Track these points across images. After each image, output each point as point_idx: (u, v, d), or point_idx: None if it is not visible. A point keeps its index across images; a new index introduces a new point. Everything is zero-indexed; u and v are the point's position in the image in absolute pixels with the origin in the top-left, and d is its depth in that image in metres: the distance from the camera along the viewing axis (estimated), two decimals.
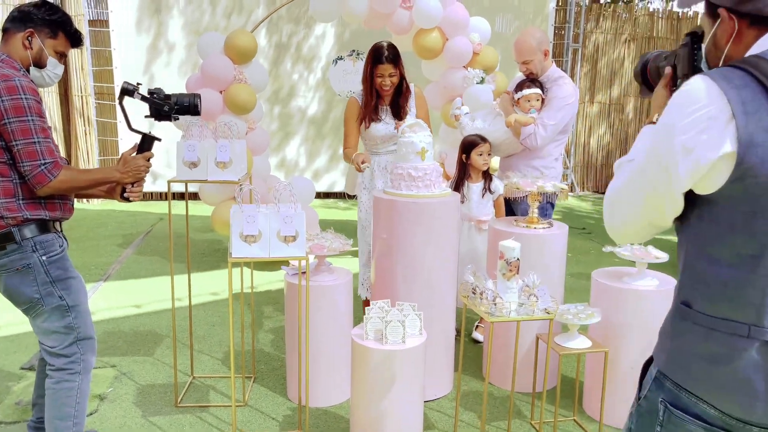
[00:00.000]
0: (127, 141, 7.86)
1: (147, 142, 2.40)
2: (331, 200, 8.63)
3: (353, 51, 6.40)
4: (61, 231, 2.33)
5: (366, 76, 3.53)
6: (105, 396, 3.12)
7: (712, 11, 1.24)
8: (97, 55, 7.98)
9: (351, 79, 6.36)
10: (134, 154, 2.37)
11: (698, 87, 1.13)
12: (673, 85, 1.43)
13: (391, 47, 3.50)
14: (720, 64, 1.25)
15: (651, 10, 9.72)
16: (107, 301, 4.48)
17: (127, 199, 2.38)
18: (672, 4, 12.33)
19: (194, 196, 6.63)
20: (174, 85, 7.49)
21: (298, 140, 8.32)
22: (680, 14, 9.72)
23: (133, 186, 2.37)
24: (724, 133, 1.10)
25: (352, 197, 8.80)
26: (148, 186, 8.01)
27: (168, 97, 2.53)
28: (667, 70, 1.44)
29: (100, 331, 3.89)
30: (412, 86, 3.68)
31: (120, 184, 2.36)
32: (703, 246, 1.19)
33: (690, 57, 1.33)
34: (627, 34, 9.38)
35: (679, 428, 1.22)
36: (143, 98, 2.49)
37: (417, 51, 5.00)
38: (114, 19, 7.61)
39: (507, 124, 3.57)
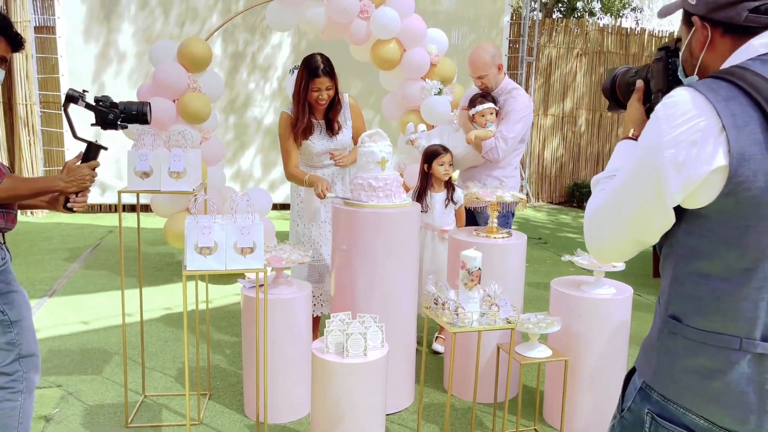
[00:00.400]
0: (74, 151, 7.59)
1: (92, 150, 2.30)
2: (288, 212, 8.51)
3: None
4: (4, 242, 2.20)
5: (299, 90, 3.32)
6: (51, 417, 2.96)
7: (687, 19, 1.25)
8: (43, 62, 7.70)
9: None
10: (79, 162, 2.26)
11: (685, 99, 1.11)
12: (647, 100, 1.42)
13: (326, 59, 3.33)
14: (695, 72, 1.25)
15: (601, 25, 10.01)
16: (53, 317, 4.28)
17: (71, 210, 2.26)
18: (620, 20, 12.75)
19: (145, 208, 6.43)
20: (124, 93, 7.29)
21: (254, 150, 8.20)
22: (628, 30, 10.04)
23: (77, 196, 2.26)
24: (716, 145, 1.07)
25: None
26: (97, 198, 7.75)
27: (115, 105, 2.43)
28: (639, 83, 1.44)
29: (45, 349, 3.70)
30: (345, 96, 3.55)
31: (63, 194, 2.24)
32: (693, 260, 1.17)
33: (665, 71, 1.32)
34: (579, 49, 9.63)
35: None
36: (88, 106, 2.38)
37: (375, 62, 4.99)
38: (61, 26, 7.36)
39: (467, 140, 3.60)
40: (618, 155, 1.36)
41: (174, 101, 4.75)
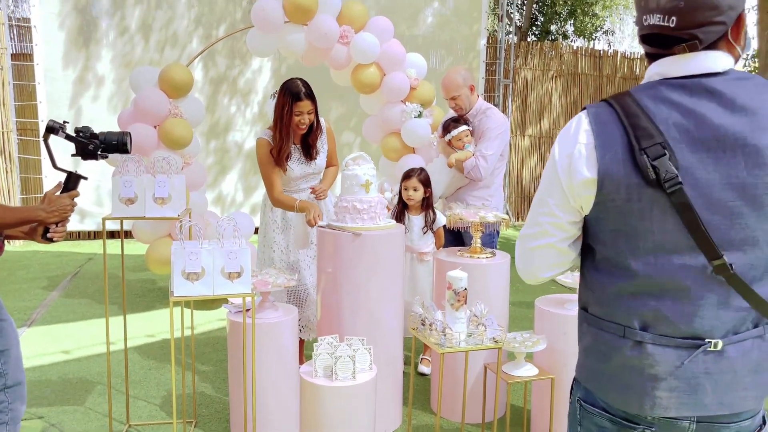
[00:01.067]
0: (52, 178, 7.50)
1: (73, 180, 2.29)
2: None
3: None
4: None
5: (281, 114, 3.28)
6: None
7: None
8: (20, 89, 7.65)
9: None
10: (59, 192, 2.24)
11: (576, 121, 1.31)
12: None
13: (306, 84, 3.31)
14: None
15: (575, 48, 10.24)
16: (32, 347, 4.20)
17: (51, 240, 2.23)
18: (593, 43, 13.06)
19: (126, 235, 6.37)
20: (104, 119, 7.26)
21: (235, 174, 8.19)
22: (601, 52, 10.29)
23: (57, 226, 2.24)
24: (589, 160, 1.26)
25: None
26: (76, 225, 7.65)
27: (95, 135, 2.41)
28: None
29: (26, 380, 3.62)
30: (323, 121, 3.53)
31: (43, 224, 2.21)
32: (587, 258, 1.37)
33: None
34: (554, 71, 9.83)
35: (591, 422, 1.37)
36: (69, 137, 2.37)
37: (355, 86, 5.05)
38: (39, 53, 7.32)
39: (449, 164, 3.68)
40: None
41: (155, 127, 4.75)
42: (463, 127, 3.70)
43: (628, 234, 1.25)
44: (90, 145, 2.39)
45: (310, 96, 3.30)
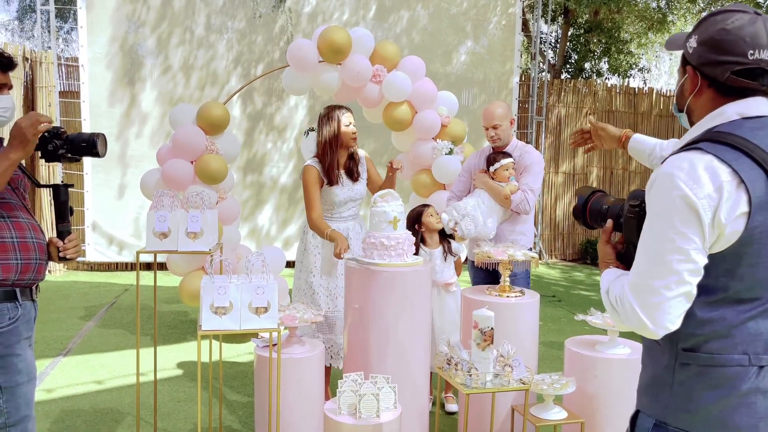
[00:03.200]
0: (93, 211, 7.76)
1: (62, 192, 2.20)
2: None
3: None
4: (19, 298, 2.07)
5: (334, 129, 3.58)
6: None
7: (684, 63, 1.46)
8: (67, 125, 7.98)
9: None
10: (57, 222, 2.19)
11: (699, 160, 1.30)
12: (609, 239, 1.57)
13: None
14: (684, 110, 1.48)
15: (609, 85, 10.22)
16: (66, 377, 4.29)
17: (65, 258, 2.16)
18: (628, 80, 13.00)
19: (160, 266, 6.51)
20: (145, 154, 7.51)
21: (270, 209, 8.33)
22: (636, 89, 10.23)
23: (65, 242, 2.16)
24: (738, 196, 1.27)
25: None
26: (114, 256, 7.85)
27: (58, 136, 2.18)
28: (609, 223, 1.57)
29: (58, 409, 3.70)
30: (360, 150, 3.81)
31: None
32: (703, 296, 1.33)
33: (638, 226, 1.41)
34: (587, 108, 9.80)
35: None
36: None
37: (387, 123, 5.12)
38: (85, 91, 7.66)
39: (504, 197, 3.61)
40: (608, 273, 1.50)
41: (192, 162, 4.89)
42: (510, 159, 3.67)
43: (765, 266, 1.29)
44: (49, 145, 2.15)
45: (350, 110, 3.67)
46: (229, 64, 7.96)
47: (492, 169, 3.69)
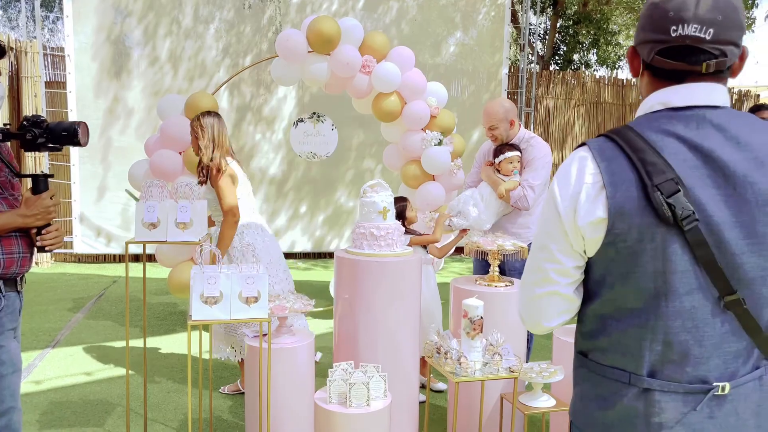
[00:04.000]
0: (80, 203, 7.70)
1: (41, 183, 2.11)
2: (291, 261, 8.56)
3: (314, 113, 6.53)
4: (2, 289, 2.05)
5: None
6: None
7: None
8: (52, 116, 7.90)
9: (311, 141, 6.46)
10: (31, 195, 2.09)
11: (577, 159, 1.24)
12: None
13: None
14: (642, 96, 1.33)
15: (597, 77, 10.25)
16: (55, 369, 4.27)
17: (43, 249, 2.09)
18: (616, 72, 13.06)
19: (149, 258, 6.48)
20: (132, 146, 7.45)
21: (259, 200, 8.30)
22: (624, 81, 10.28)
23: (42, 231, 2.08)
24: (596, 200, 1.19)
25: (315, 257, 8.75)
26: (102, 248, 7.80)
27: (38, 124, 2.12)
28: None
29: (46, 401, 3.69)
30: None
31: (27, 229, 2.05)
32: (589, 302, 1.29)
33: None
34: (576, 99, 9.84)
35: None
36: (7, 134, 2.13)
37: (376, 114, 5.11)
38: (71, 81, 7.58)
39: (499, 195, 3.63)
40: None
41: (180, 153, 4.86)
42: (516, 153, 3.66)
43: (638, 276, 1.18)
44: (28, 134, 2.10)
45: None
46: (218, 55, 7.90)
47: (497, 161, 3.70)
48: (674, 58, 1.19)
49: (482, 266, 3.76)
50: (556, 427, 3.04)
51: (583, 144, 1.27)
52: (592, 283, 1.28)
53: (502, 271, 3.74)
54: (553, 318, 1.30)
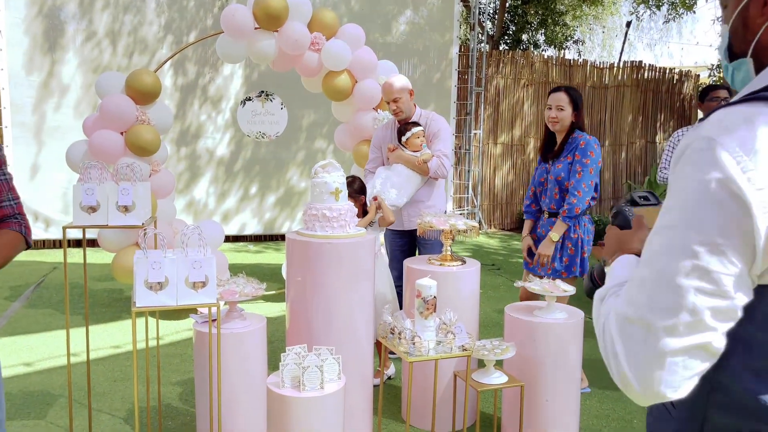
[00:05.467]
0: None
1: None
2: (242, 243, 8.40)
3: (262, 92, 6.36)
4: None
5: None
6: None
7: None
8: None
9: (260, 120, 6.29)
10: None
11: (749, 119, 0.81)
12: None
13: None
14: (749, 54, 0.92)
15: (545, 57, 10.38)
16: None
17: None
18: (564, 52, 13.25)
19: (92, 243, 6.23)
20: (70, 124, 7.11)
21: (207, 181, 8.09)
22: (571, 61, 10.44)
23: None
24: None
25: (267, 239, 8.61)
26: (40, 233, 7.46)
27: None
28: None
29: None
30: None
31: None
32: (746, 355, 0.86)
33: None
34: (525, 79, 9.94)
35: None
36: None
37: (327, 93, 5.03)
38: (2, 57, 7.15)
39: (418, 165, 3.76)
40: (622, 267, 1.03)
41: (122, 133, 4.66)
42: (419, 128, 3.81)
43: None
44: None
45: None
46: (160, 30, 7.60)
47: (404, 138, 3.81)
48: None
49: (398, 244, 4.00)
50: (507, 403, 3.09)
51: (747, 100, 0.83)
52: (758, 328, 0.83)
53: (413, 247, 3.92)
54: (686, 384, 0.83)
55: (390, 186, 3.77)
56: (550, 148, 3.57)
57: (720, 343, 0.81)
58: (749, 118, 0.79)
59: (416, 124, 3.83)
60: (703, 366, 0.82)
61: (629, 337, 0.84)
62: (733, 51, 0.96)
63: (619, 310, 0.86)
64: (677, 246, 0.81)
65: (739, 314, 0.81)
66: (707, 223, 0.79)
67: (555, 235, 3.42)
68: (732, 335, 0.82)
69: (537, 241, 3.63)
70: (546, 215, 3.58)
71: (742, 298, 0.80)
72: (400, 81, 3.89)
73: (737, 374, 0.84)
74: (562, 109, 3.45)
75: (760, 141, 0.78)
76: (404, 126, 3.84)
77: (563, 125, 3.47)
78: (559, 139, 3.52)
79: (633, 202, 1.25)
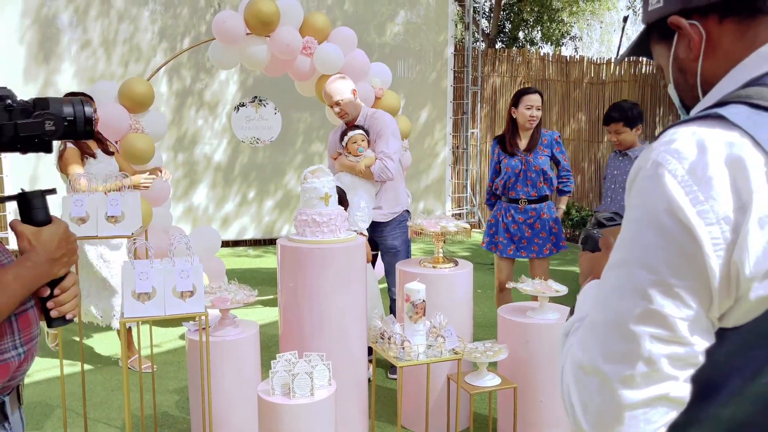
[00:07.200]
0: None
1: (37, 204, 1.28)
2: (241, 248, 8.41)
3: (255, 97, 6.36)
4: (9, 411, 1.20)
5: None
6: None
7: (661, 32, 0.88)
8: None
9: (254, 125, 6.30)
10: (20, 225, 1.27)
11: (724, 147, 0.71)
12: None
13: None
14: (699, 94, 0.87)
15: (542, 54, 10.36)
16: None
17: (64, 320, 1.26)
18: (560, 49, 13.23)
19: None
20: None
21: (205, 187, 8.10)
22: (568, 57, 10.42)
23: (54, 292, 1.24)
24: None
25: (266, 243, 8.63)
26: None
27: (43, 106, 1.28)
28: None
29: None
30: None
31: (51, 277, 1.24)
32: (707, 403, 0.77)
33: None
34: (522, 77, 9.92)
35: None
36: None
37: (320, 96, 5.02)
38: None
39: (359, 173, 3.67)
40: (587, 296, 0.95)
41: (116, 142, 4.67)
42: (359, 131, 3.70)
43: None
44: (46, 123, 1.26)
45: None
46: (154, 38, 7.61)
47: (343, 144, 3.73)
48: None
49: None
50: (502, 405, 3.08)
51: (698, 118, 0.75)
52: (719, 372, 0.75)
53: (374, 246, 3.86)
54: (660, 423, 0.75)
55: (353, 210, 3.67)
56: (516, 142, 3.95)
57: (682, 391, 0.74)
58: (701, 141, 0.71)
59: (356, 127, 3.72)
60: (668, 417, 0.75)
61: (584, 387, 0.76)
62: (686, 103, 0.91)
63: (573, 356, 0.79)
64: (628, 287, 0.74)
65: (701, 359, 0.73)
66: (658, 262, 0.71)
67: (563, 208, 4.16)
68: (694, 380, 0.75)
69: (505, 229, 3.89)
70: (524, 203, 3.87)
71: (702, 343, 0.73)
72: (340, 82, 3.74)
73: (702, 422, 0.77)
74: (539, 109, 3.90)
75: (712, 168, 0.69)
76: (345, 131, 3.72)
77: (536, 123, 3.91)
78: (527, 134, 3.96)
79: (600, 224, 1.22)
